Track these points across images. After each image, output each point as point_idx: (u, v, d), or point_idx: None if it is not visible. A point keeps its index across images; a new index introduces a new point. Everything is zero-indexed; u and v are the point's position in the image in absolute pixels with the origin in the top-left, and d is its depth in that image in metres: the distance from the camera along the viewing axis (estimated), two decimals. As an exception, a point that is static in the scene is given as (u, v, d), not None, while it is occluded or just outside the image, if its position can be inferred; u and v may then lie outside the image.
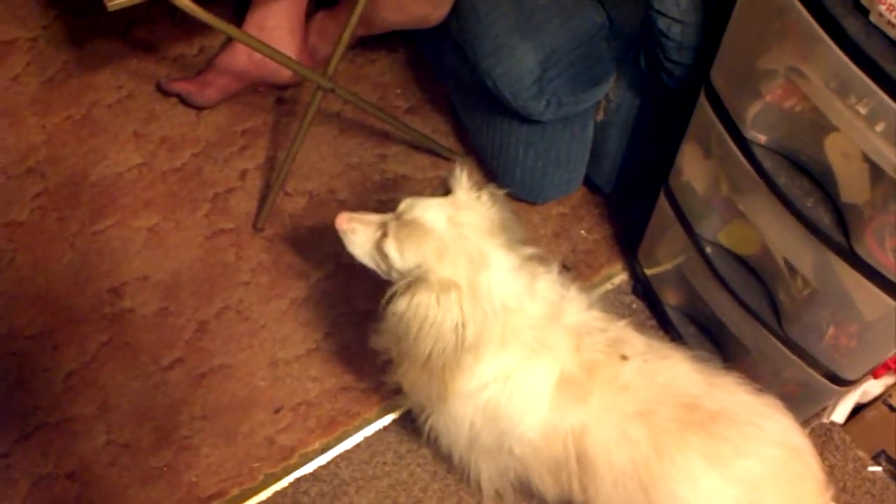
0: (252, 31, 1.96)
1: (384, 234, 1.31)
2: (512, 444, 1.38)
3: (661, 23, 1.45)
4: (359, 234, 1.36)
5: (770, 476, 1.26)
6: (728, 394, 1.32)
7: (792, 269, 1.39)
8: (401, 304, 1.24)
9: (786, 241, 1.37)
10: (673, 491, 1.26)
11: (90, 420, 1.74)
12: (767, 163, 1.31)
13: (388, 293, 1.27)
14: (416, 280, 1.24)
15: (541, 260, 1.36)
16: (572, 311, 1.34)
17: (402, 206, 1.32)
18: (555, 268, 1.38)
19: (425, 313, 1.23)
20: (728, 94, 1.35)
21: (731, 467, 1.25)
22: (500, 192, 1.35)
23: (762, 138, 1.31)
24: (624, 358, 1.32)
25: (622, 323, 1.39)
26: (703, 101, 1.42)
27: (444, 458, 1.68)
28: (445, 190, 1.35)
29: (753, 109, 1.29)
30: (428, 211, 1.28)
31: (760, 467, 1.25)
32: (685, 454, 1.25)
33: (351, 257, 1.91)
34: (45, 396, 1.76)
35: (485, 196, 1.32)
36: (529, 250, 1.34)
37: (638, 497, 1.29)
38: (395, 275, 1.31)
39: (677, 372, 1.33)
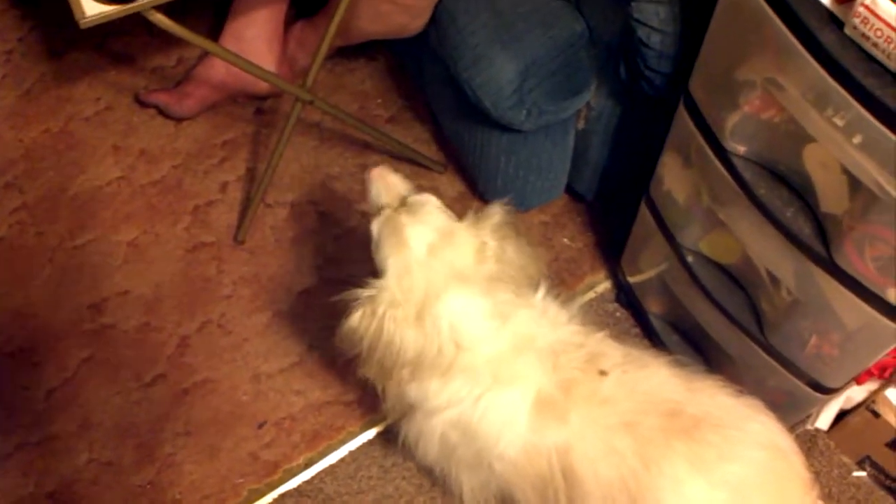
0: (230, 42, 1.95)
1: (380, 211, 1.34)
2: (492, 461, 1.38)
3: (641, 32, 1.45)
4: (377, 191, 1.38)
5: (756, 478, 1.26)
6: (710, 398, 1.31)
7: (773, 278, 1.39)
8: (354, 315, 1.29)
9: (767, 251, 1.37)
10: (661, 500, 1.25)
11: (72, 438, 1.72)
12: (747, 173, 1.31)
13: (349, 295, 1.31)
14: (373, 294, 1.28)
15: (526, 295, 1.36)
16: (547, 333, 1.34)
17: (415, 199, 1.34)
18: (541, 291, 1.38)
19: (369, 325, 1.28)
20: (706, 104, 1.34)
21: (717, 472, 1.24)
22: (516, 244, 1.34)
23: (741, 149, 1.31)
24: (602, 373, 1.31)
25: (600, 335, 1.38)
26: (681, 110, 1.41)
27: (428, 471, 1.68)
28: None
29: (732, 120, 1.29)
30: (419, 226, 1.30)
31: (746, 470, 1.25)
32: (671, 462, 1.24)
33: (335, 269, 1.92)
34: (25, 415, 1.74)
35: (491, 246, 1.31)
36: (510, 295, 1.32)
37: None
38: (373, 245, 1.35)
39: (657, 380, 1.32)
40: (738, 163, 1.32)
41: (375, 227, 1.33)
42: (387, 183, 1.38)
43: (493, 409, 1.31)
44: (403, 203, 1.33)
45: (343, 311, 1.75)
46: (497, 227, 1.32)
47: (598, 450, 1.27)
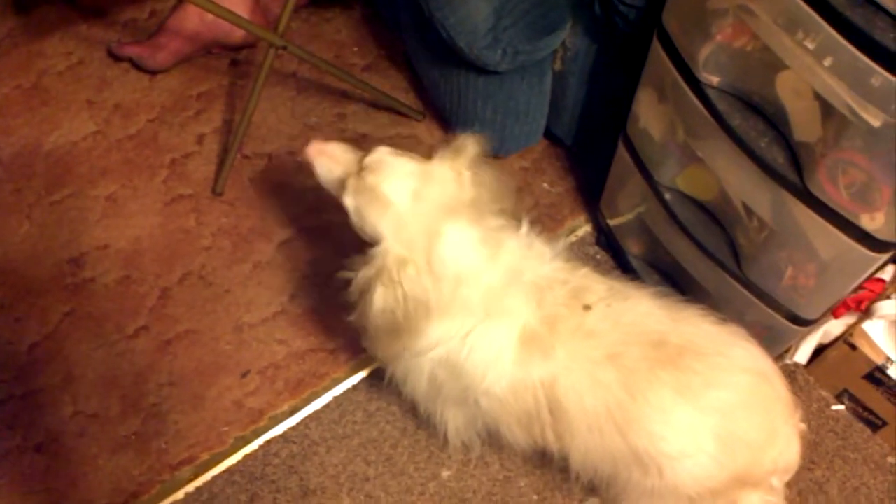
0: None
1: (344, 186, 1.30)
2: (478, 398, 1.39)
3: (613, -34, 1.44)
4: (325, 168, 1.35)
5: (741, 402, 1.28)
6: (693, 327, 1.33)
7: (749, 211, 1.40)
8: (377, 296, 1.25)
9: (742, 184, 1.37)
10: (648, 428, 1.27)
11: (56, 391, 1.72)
12: (721, 105, 1.31)
13: (358, 281, 1.28)
14: (376, 265, 1.25)
15: (510, 227, 1.35)
16: (533, 268, 1.34)
17: (371, 158, 1.30)
18: (525, 226, 1.38)
19: (394, 294, 1.25)
20: (680, 36, 1.34)
21: (703, 398, 1.26)
22: (490, 172, 1.35)
23: (715, 80, 1.31)
24: (587, 308, 1.32)
25: (584, 270, 1.38)
26: (655, 44, 1.41)
27: (414, 414, 1.69)
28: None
29: (705, 51, 1.28)
30: (393, 180, 1.27)
31: (731, 395, 1.27)
32: (657, 391, 1.26)
33: (315, 219, 1.92)
34: (8, 369, 1.74)
35: (467, 175, 1.31)
36: (499, 221, 1.33)
37: (615, 439, 1.29)
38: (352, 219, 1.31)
39: (641, 311, 1.33)
40: (712, 94, 1.31)
41: (349, 199, 1.29)
42: (331, 156, 1.35)
43: (479, 345, 1.32)
44: (360, 167, 1.30)
45: (325, 266, 1.76)
46: (470, 159, 1.32)
47: (584, 382, 1.29)
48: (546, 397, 1.32)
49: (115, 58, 2.10)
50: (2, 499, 1.62)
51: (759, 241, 1.42)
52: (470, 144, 1.32)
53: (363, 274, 1.27)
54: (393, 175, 1.27)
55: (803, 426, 1.37)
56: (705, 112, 1.33)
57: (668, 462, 1.28)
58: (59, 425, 1.69)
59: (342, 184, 1.31)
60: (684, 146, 1.45)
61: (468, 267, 1.28)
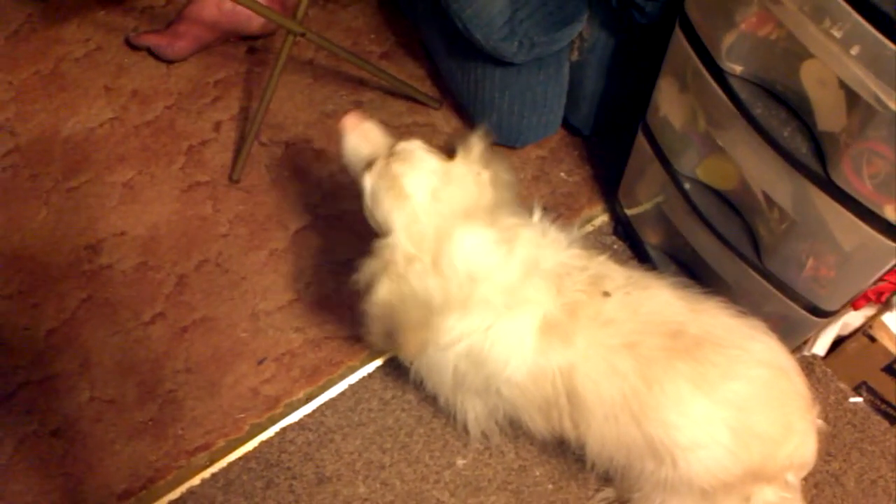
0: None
1: (369, 165, 1.29)
2: (500, 387, 1.38)
3: (634, -45, 1.43)
4: (355, 143, 1.33)
5: (757, 396, 1.27)
6: (712, 318, 1.32)
7: (770, 201, 1.39)
8: (380, 289, 1.25)
9: (763, 174, 1.36)
10: (664, 418, 1.26)
11: (73, 377, 1.73)
12: (743, 94, 1.30)
13: (364, 274, 1.27)
14: (384, 258, 1.25)
15: (524, 217, 1.35)
16: (550, 256, 1.33)
17: (402, 146, 1.28)
18: (537, 214, 1.38)
19: (399, 290, 1.24)
20: (703, 24, 1.33)
21: (720, 390, 1.25)
22: (504, 167, 1.33)
23: (738, 69, 1.29)
24: (606, 294, 1.31)
25: (602, 258, 1.38)
26: (677, 33, 1.40)
27: (429, 403, 1.69)
28: (450, 150, 1.31)
29: (729, 39, 1.27)
30: (416, 175, 1.25)
31: (748, 388, 1.26)
32: (673, 381, 1.25)
33: (331, 207, 1.92)
34: (26, 355, 1.75)
35: (485, 175, 1.29)
36: (513, 218, 1.32)
37: (630, 427, 1.29)
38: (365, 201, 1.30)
39: (660, 301, 1.32)
40: (734, 83, 1.30)
41: (369, 180, 1.28)
42: (364, 133, 1.33)
43: (502, 335, 1.31)
44: (391, 152, 1.28)
45: (341, 253, 1.76)
46: (482, 156, 1.30)
47: (601, 370, 1.28)
48: (564, 385, 1.31)
49: (133, 47, 2.10)
50: (19, 483, 1.62)
51: (779, 231, 1.41)
52: (476, 140, 1.30)
53: (370, 266, 1.26)
54: (418, 169, 1.26)
55: (820, 422, 1.36)
56: (727, 101, 1.32)
57: (681, 453, 1.27)
58: (76, 411, 1.70)
59: (366, 163, 1.30)
60: (705, 136, 1.44)
61: (483, 267, 1.27)
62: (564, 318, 1.30)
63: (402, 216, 1.24)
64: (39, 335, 1.77)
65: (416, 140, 1.29)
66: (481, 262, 1.27)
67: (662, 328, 1.29)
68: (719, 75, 1.32)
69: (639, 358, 1.26)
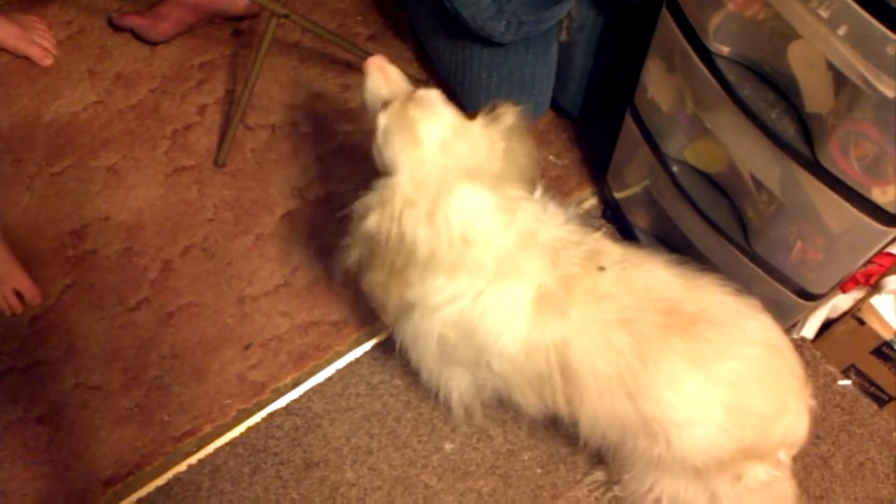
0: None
1: (386, 105, 1.28)
2: (490, 360, 1.37)
3: (620, -67, 1.41)
4: (376, 83, 1.33)
5: (752, 375, 1.27)
6: (708, 296, 1.31)
7: (758, 184, 1.38)
8: (371, 218, 1.24)
9: (751, 156, 1.35)
10: (658, 395, 1.26)
11: (58, 363, 1.72)
12: (731, 75, 1.29)
13: (359, 204, 1.26)
14: (382, 195, 1.24)
15: (526, 192, 1.34)
16: (548, 229, 1.33)
17: (422, 93, 1.28)
18: (539, 190, 1.37)
19: (388, 227, 1.23)
20: (690, 5, 1.31)
21: (715, 368, 1.25)
22: (525, 147, 1.32)
23: (725, 50, 1.28)
24: (601, 269, 1.30)
25: (598, 234, 1.37)
26: (665, 13, 1.38)
27: (417, 388, 1.69)
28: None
29: (716, 20, 1.26)
30: (431, 123, 1.25)
31: (743, 367, 1.26)
32: (669, 358, 1.25)
33: (318, 190, 1.90)
34: (10, 341, 1.74)
35: (500, 145, 1.28)
36: (516, 192, 1.31)
37: (624, 404, 1.29)
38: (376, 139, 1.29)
39: (656, 277, 1.31)
40: (721, 64, 1.29)
41: (384, 119, 1.26)
42: (386, 74, 1.33)
43: (494, 305, 1.30)
44: (409, 97, 1.28)
45: (328, 238, 1.75)
46: (509, 129, 1.29)
47: (596, 346, 1.28)
48: (558, 359, 1.31)
49: (116, 28, 2.07)
50: (5, 471, 1.61)
51: (767, 214, 1.41)
52: (510, 115, 1.29)
53: (368, 199, 1.26)
54: (434, 118, 1.25)
55: (813, 401, 1.36)
56: (715, 82, 1.31)
57: (675, 430, 1.27)
58: (62, 397, 1.69)
59: (384, 104, 1.29)
60: (693, 118, 1.42)
61: (478, 230, 1.26)
62: (559, 292, 1.29)
63: (409, 159, 1.23)
64: (24, 321, 1.75)
65: (437, 91, 1.29)
66: (478, 224, 1.26)
67: (658, 304, 1.28)
68: (706, 56, 1.31)
69: (634, 334, 1.26)
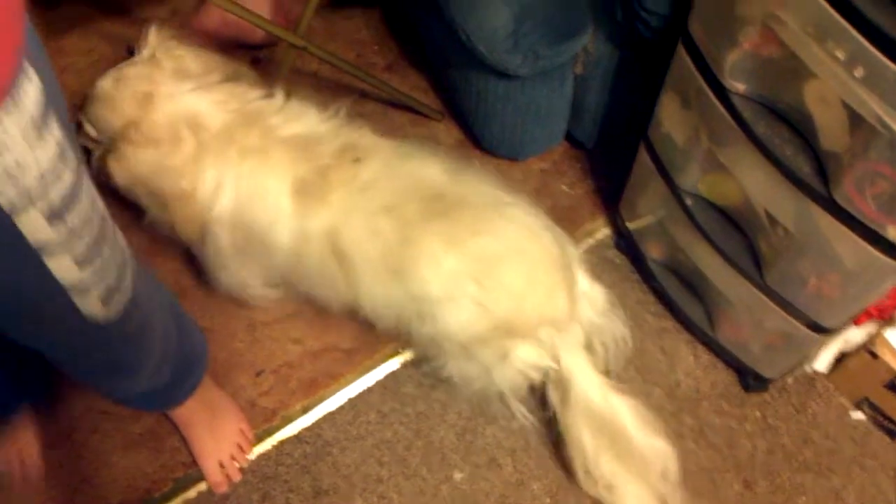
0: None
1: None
2: (274, 254, 1.46)
3: (636, -30, 1.43)
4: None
5: (504, 252, 1.38)
6: (470, 185, 1.42)
7: (772, 219, 1.38)
8: (120, 176, 1.43)
9: (766, 192, 1.35)
10: (419, 273, 1.37)
11: (69, 387, 1.72)
12: (746, 112, 1.29)
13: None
14: (108, 147, 1.43)
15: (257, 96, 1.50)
16: (292, 126, 1.44)
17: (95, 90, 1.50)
18: (279, 95, 1.50)
19: (125, 168, 1.42)
20: (706, 42, 1.32)
21: (469, 246, 1.36)
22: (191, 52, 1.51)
23: (741, 87, 1.29)
24: (357, 160, 1.41)
25: (364, 130, 1.49)
26: (680, 50, 1.39)
27: (427, 417, 1.69)
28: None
29: (732, 58, 1.27)
30: (100, 82, 1.48)
31: (495, 244, 1.38)
32: (427, 239, 1.36)
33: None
34: (24, 365, 1.74)
35: (168, 63, 1.47)
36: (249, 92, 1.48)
37: (393, 286, 1.41)
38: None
39: (421, 169, 1.42)
40: (737, 101, 1.30)
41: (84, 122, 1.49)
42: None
43: (253, 197, 1.41)
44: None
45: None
46: (164, 48, 1.50)
47: (363, 231, 1.39)
48: (332, 248, 1.41)
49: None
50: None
51: (781, 249, 1.41)
52: (153, 35, 1.50)
53: (97, 157, 1.46)
54: (102, 79, 1.48)
55: (599, 287, 1.51)
56: (730, 119, 1.32)
57: (437, 307, 1.39)
58: (72, 423, 1.69)
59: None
60: (707, 152, 1.43)
61: (202, 115, 1.41)
62: (318, 182, 1.39)
63: (100, 108, 1.45)
64: (37, 345, 1.76)
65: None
66: (186, 113, 1.41)
67: (421, 193, 1.39)
68: (722, 93, 1.32)
69: (398, 220, 1.37)
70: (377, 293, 1.44)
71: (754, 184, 1.37)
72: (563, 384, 1.47)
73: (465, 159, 1.47)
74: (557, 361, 1.45)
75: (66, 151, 0.80)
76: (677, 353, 1.78)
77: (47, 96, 0.75)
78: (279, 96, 1.49)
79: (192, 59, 1.49)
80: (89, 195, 0.87)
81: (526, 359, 1.44)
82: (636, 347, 1.78)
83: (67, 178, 0.81)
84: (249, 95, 1.47)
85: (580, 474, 1.55)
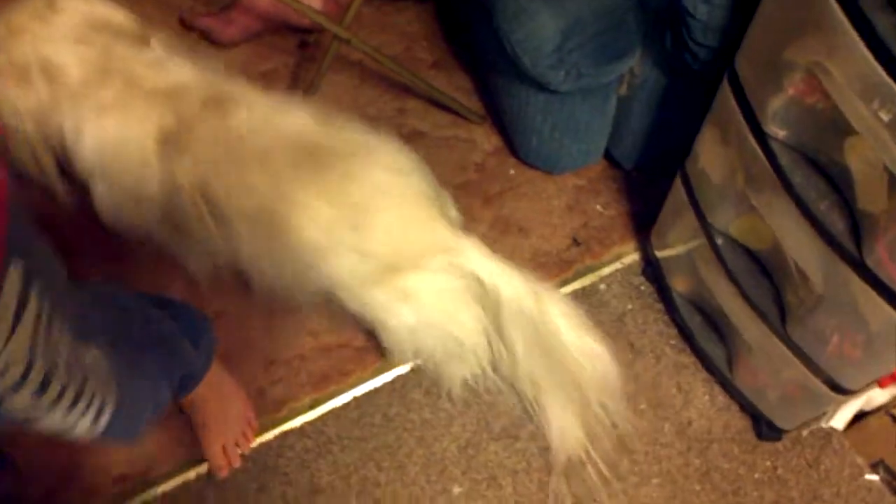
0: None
1: None
2: (151, 208, 1.44)
3: (688, 1, 1.38)
4: None
5: (375, 196, 1.38)
6: (343, 134, 1.42)
7: (801, 271, 1.33)
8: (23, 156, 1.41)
9: (796, 243, 1.31)
10: (292, 222, 1.36)
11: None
12: (784, 159, 1.25)
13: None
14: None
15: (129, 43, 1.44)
16: (161, 76, 1.40)
17: None
18: (156, 44, 1.48)
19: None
20: (751, 83, 1.28)
21: (339, 193, 1.36)
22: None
23: (781, 133, 1.24)
24: (227, 112, 1.38)
25: (242, 82, 1.45)
26: (724, 86, 1.35)
27: (433, 426, 1.67)
28: None
29: (775, 102, 1.22)
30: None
31: (365, 190, 1.38)
32: (299, 189, 1.35)
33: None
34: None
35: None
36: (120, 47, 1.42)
37: (269, 235, 1.39)
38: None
39: (293, 121, 1.41)
40: (776, 147, 1.25)
41: None
42: None
43: (120, 152, 1.39)
44: None
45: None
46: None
47: (234, 183, 1.37)
48: (203, 198, 1.38)
49: (187, 27, 2.10)
50: (31, 452, 1.63)
51: (808, 302, 1.36)
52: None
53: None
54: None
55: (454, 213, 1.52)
56: (767, 164, 1.27)
57: (319, 255, 1.39)
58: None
59: None
60: (742, 194, 1.38)
61: (56, 63, 1.37)
62: (184, 134, 1.37)
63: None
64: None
65: None
66: (43, 59, 1.37)
67: (293, 144, 1.38)
68: (762, 136, 1.27)
69: (270, 171, 1.36)
70: (259, 248, 1.43)
71: (786, 234, 1.32)
72: (491, 298, 1.48)
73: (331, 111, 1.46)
74: (477, 280, 1.46)
75: (40, 328, 0.84)
76: (693, 390, 1.74)
77: (30, 276, 0.80)
78: (157, 49, 1.47)
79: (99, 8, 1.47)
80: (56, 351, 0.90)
81: (429, 287, 1.46)
82: (651, 380, 1.74)
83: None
84: (123, 51, 1.43)
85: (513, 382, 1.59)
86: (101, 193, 1.44)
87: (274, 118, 1.40)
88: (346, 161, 1.38)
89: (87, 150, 1.39)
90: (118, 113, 1.37)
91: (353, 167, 1.38)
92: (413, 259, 1.42)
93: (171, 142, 1.37)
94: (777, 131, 1.25)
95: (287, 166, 1.36)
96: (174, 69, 1.42)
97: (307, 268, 1.41)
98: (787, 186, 1.25)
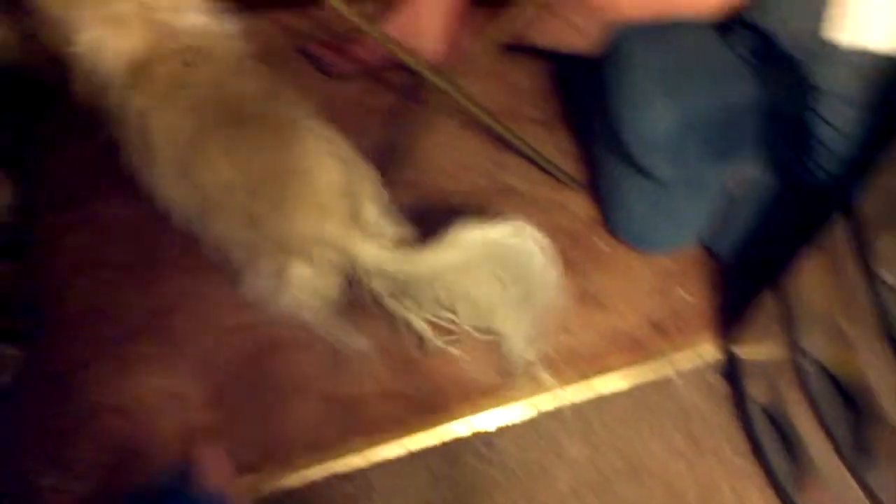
0: (406, 7, 1.93)
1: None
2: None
3: (821, 129, 1.33)
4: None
5: (282, 171, 1.47)
6: (279, 105, 1.52)
7: (885, 415, 1.27)
8: None
9: (889, 388, 1.24)
10: (198, 176, 1.49)
11: (152, 360, 1.75)
12: (891, 305, 1.18)
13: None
14: None
15: None
16: (170, 15, 1.54)
17: None
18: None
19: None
20: (867, 221, 1.22)
21: (243, 157, 1.46)
22: None
23: (891, 279, 1.18)
24: (186, 64, 1.52)
25: (237, 47, 1.59)
26: (838, 218, 1.29)
27: (473, 493, 1.64)
28: None
29: (891, 248, 1.16)
30: None
31: (275, 162, 1.47)
32: (210, 144, 1.47)
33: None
34: (119, 328, 1.79)
35: None
36: None
37: (181, 181, 1.52)
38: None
39: (242, 85, 1.52)
40: (883, 292, 1.19)
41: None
42: None
43: (100, 58, 1.54)
44: None
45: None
46: None
47: (167, 123, 1.50)
48: (142, 125, 1.52)
49: (303, 54, 2.12)
50: (77, 448, 1.65)
51: (886, 446, 1.29)
52: None
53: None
54: None
55: (373, 217, 1.59)
56: (871, 307, 1.21)
57: (214, 210, 1.51)
58: (139, 394, 1.70)
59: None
60: (838, 328, 1.32)
61: None
62: (148, 65, 1.51)
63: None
64: (137, 313, 1.80)
65: None
66: None
67: (228, 104, 1.49)
68: (870, 276, 1.21)
69: (198, 121, 1.48)
70: (168, 184, 1.55)
71: (878, 377, 1.26)
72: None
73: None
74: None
75: None
76: (748, 499, 1.68)
77: None
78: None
79: None
80: None
81: (300, 275, 1.56)
82: (705, 480, 1.68)
83: None
84: None
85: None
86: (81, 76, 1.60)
87: (227, 79, 1.52)
88: (268, 129, 1.48)
89: (82, 47, 1.55)
90: (119, 28, 1.52)
91: (273, 138, 1.48)
92: (299, 243, 1.52)
93: (138, 70, 1.52)
94: (887, 275, 1.19)
95: (212, 122, 1.48)
96: (189, 13, 1.56)
97: (205, 215, 1.54)
98: (888, 335, 1.19)
